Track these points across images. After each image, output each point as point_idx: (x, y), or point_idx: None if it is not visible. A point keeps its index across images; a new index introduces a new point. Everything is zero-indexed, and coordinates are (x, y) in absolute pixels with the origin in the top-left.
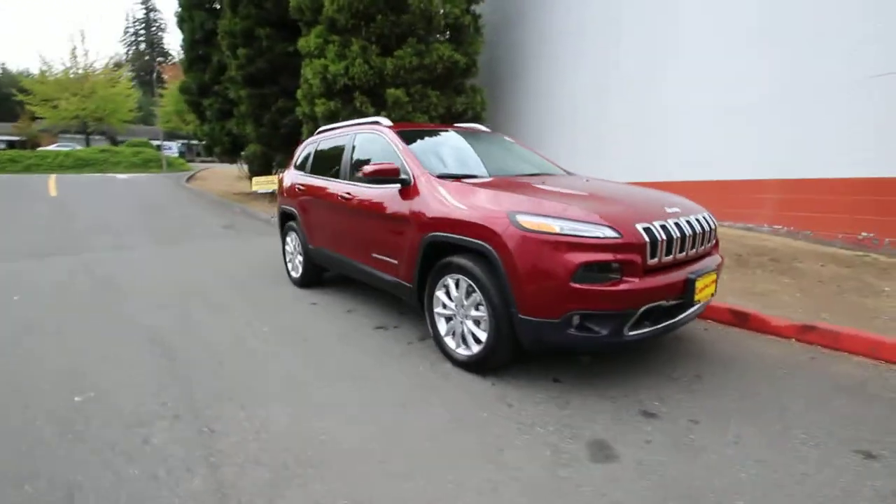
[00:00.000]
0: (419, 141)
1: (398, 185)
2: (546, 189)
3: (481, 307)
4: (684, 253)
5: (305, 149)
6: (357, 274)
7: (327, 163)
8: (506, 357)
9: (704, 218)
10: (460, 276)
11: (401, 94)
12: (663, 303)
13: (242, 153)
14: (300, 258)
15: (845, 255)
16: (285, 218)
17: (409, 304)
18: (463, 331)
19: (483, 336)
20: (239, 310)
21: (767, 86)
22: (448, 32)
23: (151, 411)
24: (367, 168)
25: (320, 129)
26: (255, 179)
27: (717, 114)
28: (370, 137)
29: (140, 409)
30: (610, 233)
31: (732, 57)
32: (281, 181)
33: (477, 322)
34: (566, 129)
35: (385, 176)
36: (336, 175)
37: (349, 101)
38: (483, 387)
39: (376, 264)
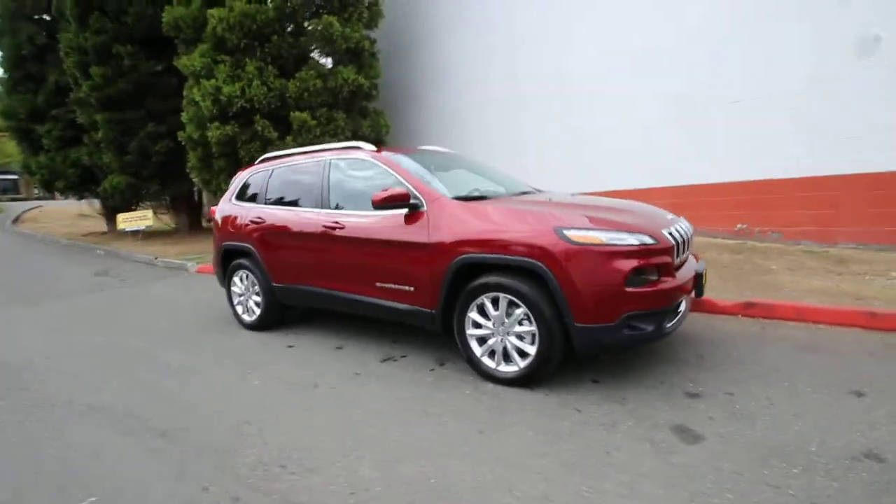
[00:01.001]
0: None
1: (405, 210)
2: (565, 203)
3: (525, 322)
4: (686, 253)
5: (248, 178)
6: (351, 307)
7: (291, 192)
8: (555, 367)
9: (686, 223)
10: (500, 295)
11: (307, 117)
12: (686, 296)
13: (100, 186)
14: (256, 299)
15: (730, 244)
16: (230, 256)
17: (427, 330)
18: (505, 348)
19: (531, 350)
20: (208, 366)
21: (660, 108)
22: (348, 56)
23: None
24: (380, 195)
25: (265, 156)
26: (121, 216)
27: (618, 131)
28: (352, 163)
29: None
30: (648, 239)
31: (625, 82)
32: (227, 218)
33: (520, 337)
34: (476, 145)
35: (396, 202)
36: (309, 205)
37: (248, 124)
38: (539, 398)
39: (382, 294)
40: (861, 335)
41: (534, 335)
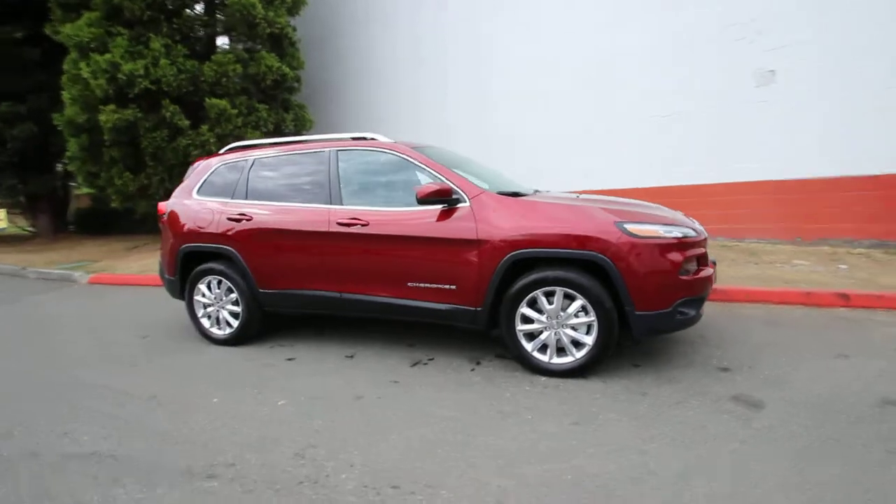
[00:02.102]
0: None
1: (441, 206)
2: (597, 200)
3: (581, 314)
4: None
5: (215, 169)
6: (372, 311)
7: (284, 186)
8: (610, 354)
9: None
10: (555, 288)
11: (226, 105)
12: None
13: None
14: (233, 308)
15: None
16: (193, 260)
17: (468, 328)
18: (559, 341)
19: (588, 339)
20: (197, 391)
21: (590, 116)
22: (270, 43)
23: None
24: (427, 189)
25: (233, 146)
26: None
27: (551, 135)
28: (368, 155)
29: None
30: (692, 232)
31: (563, 89)
32: (188, 215)
33: (574, 328)
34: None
35: (440, 197)
36: (312, 200)
37: (153, 109)
38: (601, 386)
39: (416, 294)
40: (805, 311)
41: (589, 326)
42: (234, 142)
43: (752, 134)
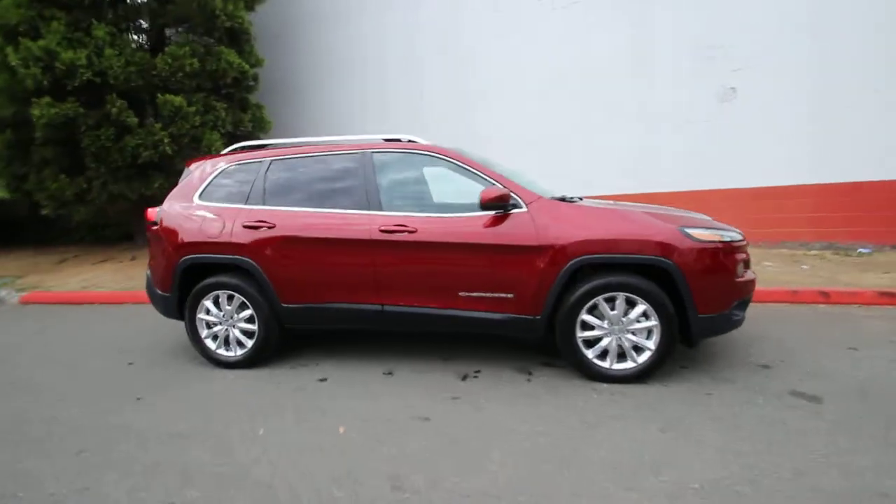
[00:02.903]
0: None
1: (495, 212)
2: (639, 207)
3: (642, 319)
4: None
5: (222, 171)
6: (416, 324)
7: (312, 191)
8: (670, 357)
9: None
10: (618, 294)
11: (182, 102)
12: None
13: None
14: (246, 327)
15: None
16: (196, 274)
17: (525, 339)
18: (621, 345)
19: (650, 344)
20: (230, 426)
21: (556, 124)
22: (228, 38)
23: None
24: (490, 194)
25: (239, 146)
26: None
27: (518, 138)
28: (408, 158)
29: None
30: (738, 236)
31: (530, 96)
32: (190, 223)
33: (635, 333)
34: None
35: (501, 202)
36: (348, 206)
37: (97, 104)
38: (665, 391)
39: (469, 304)
40: (794, 307)
41: (650, 331)
42: (190, 143)
43: (720, 145)
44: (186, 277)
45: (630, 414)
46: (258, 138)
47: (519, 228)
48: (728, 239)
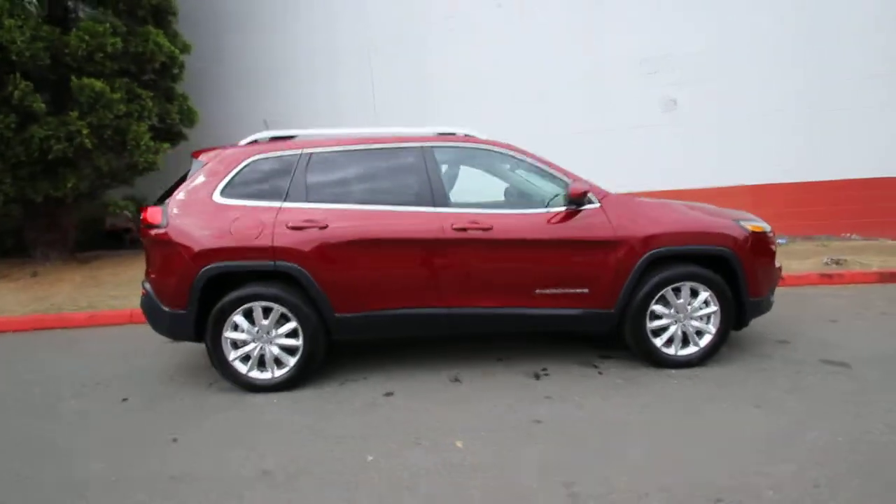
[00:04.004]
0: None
1: (568, 207)
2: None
3: (704, 305)
4: None
5: (249, 163)
6: (485, 325)
7: (356, 187)
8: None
9: None
10: (683, 283)
11: (104, 87)
12: None
13: None
14: (285, 343)
15: None
16: (221, 286)
17: (592, 333)
18: (685, 333)
19: (711, 329)
20: (340, 457)
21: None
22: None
23: None
24: (577, 189)
25: (263, 135)
26: None
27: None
28: (470, 153)
29: None
30: (769, 226)
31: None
32: (211, 224)
33: (698, 320)
34: None
35: (582, 197)
36: (409, 203)
37: None
38: (727, 372)
39: (544, 302)
40: None
41: (709, 316)
42: (113, 135)
43: (660, 150)
44: (208, 290)
45: (719, 395)
46: (182, 132)
47: (595, 224)
48: (769, 228)
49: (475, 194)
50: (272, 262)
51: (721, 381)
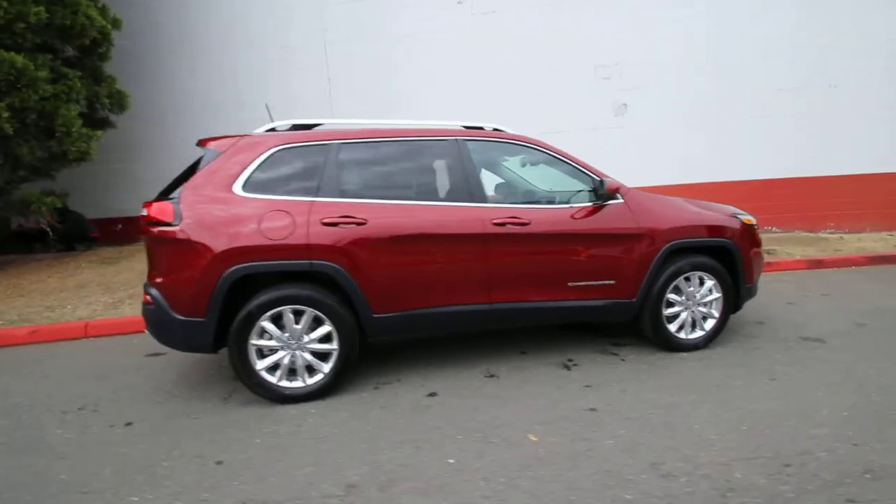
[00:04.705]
0: None
1: (594, 202)
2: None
3: (709, 293)
4: None
5: (270, 156)
6: (523, 319)
7: (390, 181)
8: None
9: None
10: (693, 273)
11: (27, 63)
12: None
13: None
14: (317, 348)
15: None
16: (246, 288)
17: (618, 323)
18: (693, 319)
19: (715, 313)
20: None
21: None
22: None
23: None
24: (612, 185)
25: (282, 123)
26: None
27: None
28: (501, 148)
29: None
30: (755, 219)
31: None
32: (234, 221)
33: (704, 306)
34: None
35: (615, 192)
36: (445, 198)
37: None
38: (729, 352)
39: (576, 294)
40: None
41: (711, 302)
42: (38, 120)
43: (614, 151)
44: (232, 294)
45: (734, 373)
46: (108, 119)
47: (621, 217)
48: (755, 221)
49: (544, 186)
50: (308, 262)
51: (729, 361)
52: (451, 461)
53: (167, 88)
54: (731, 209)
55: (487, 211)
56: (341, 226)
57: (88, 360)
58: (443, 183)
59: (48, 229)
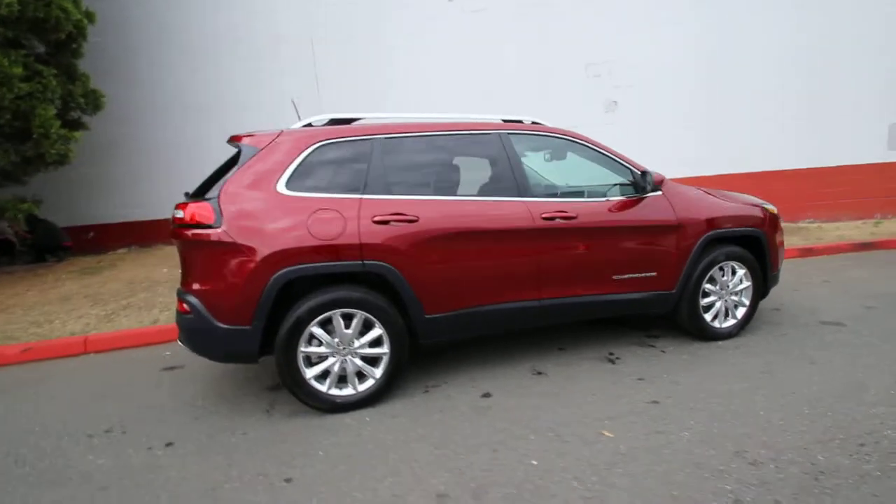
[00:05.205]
0: None
1: (635, 195)
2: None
3: (740, 282)
4: None
5: (313, 151)
6: (571, 314)
7: (434, 176)
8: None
9: None
10: (725, 263)
11: (1, 59)
12: None
13: None
14: (368, 352)
15: None
16: (292, 292)
17: (658, 314)
18: (726, 307)
19: (746, 302)
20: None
21: None
22: None
23: None
24: (658, 176)
25: (320, 118)
26: None
27: None
28: (542, 142)
29: None
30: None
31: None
32: (252, 220)
33: (736, 294)
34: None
35: (660, 185)
36: (491, 192)
37: None
38: (758, 339)
39: (621, 287)
40: None
41: (742, 291)
42: (12, 120)
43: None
44: (281, 298)
45: (774, 360)
46: (81, 120)
47: (661, 209)
48: (776, 210)
49: (583, 180)
50: (360, 262)
51: (764, 348)
52: (534, 462)
53: (143, 86)
54: (754, 199)
55: (536, 205)
56: (392, 224)
57: (96, 378)
58: (489, 177)
59: (14, 240)
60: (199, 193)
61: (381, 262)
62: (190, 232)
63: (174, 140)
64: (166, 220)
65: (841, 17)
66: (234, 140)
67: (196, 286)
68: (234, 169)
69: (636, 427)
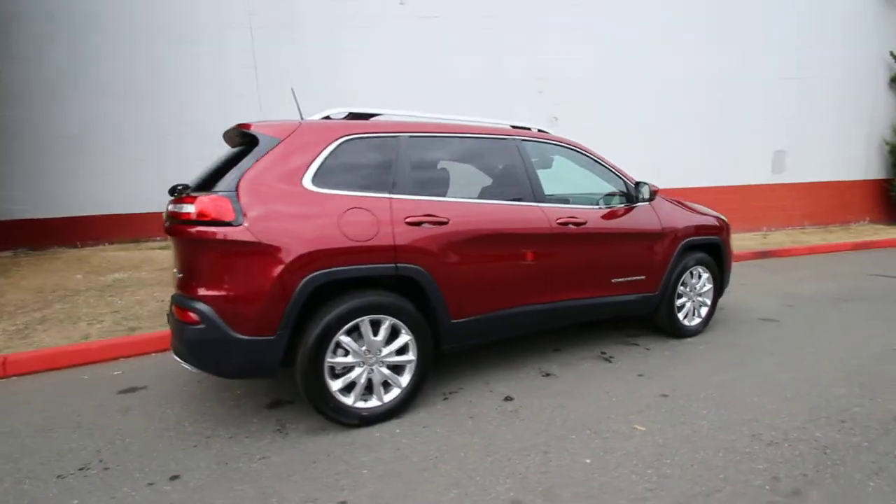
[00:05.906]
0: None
1: (626, 203)
2: None
3: (705, 284)
4: None
5: (339, 145)
6: (579, 316)
7: (461, 178)
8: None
9: None
10: (694, 268)
11: None
12: None
13: None
14: (394, 360)
15: None
16: (320, 298)
17: (642, 316)
18: (693, 307)
19: (708, 301)
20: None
21: None
22: None
23: None
24: (654, 186)
25: (338, 111)
26: None
27: None
28: (550, 150)
29: None
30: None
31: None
32: (279, 220)
33: (701, 296)
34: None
35: (655, 195)
36: (508, 197)
37: None
38: (725, 334)
39: (618, 290)
40: None
41: (705, 292)
42: None
43: None
44: (310, 304)
45: (741, 353)
46: None
47: (650, 218)
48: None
49: (580, 188)
50: (394, 265)
51: (726, 342)
52: (588, 461)
53: (39, 67)
54: (710, 210)
55: (550, 210)
56: (425, 225)
57: (33, 407)
58: (507, 182)
59: None
60: (202, 187)
61: (413, 265)
62: (200, 229)
63: (87, 127)
64: (65, 219)
65: (751, 52)
66: (242, 128)
67: (206, 292)
68: (250, 160)
69: (659, 419)
